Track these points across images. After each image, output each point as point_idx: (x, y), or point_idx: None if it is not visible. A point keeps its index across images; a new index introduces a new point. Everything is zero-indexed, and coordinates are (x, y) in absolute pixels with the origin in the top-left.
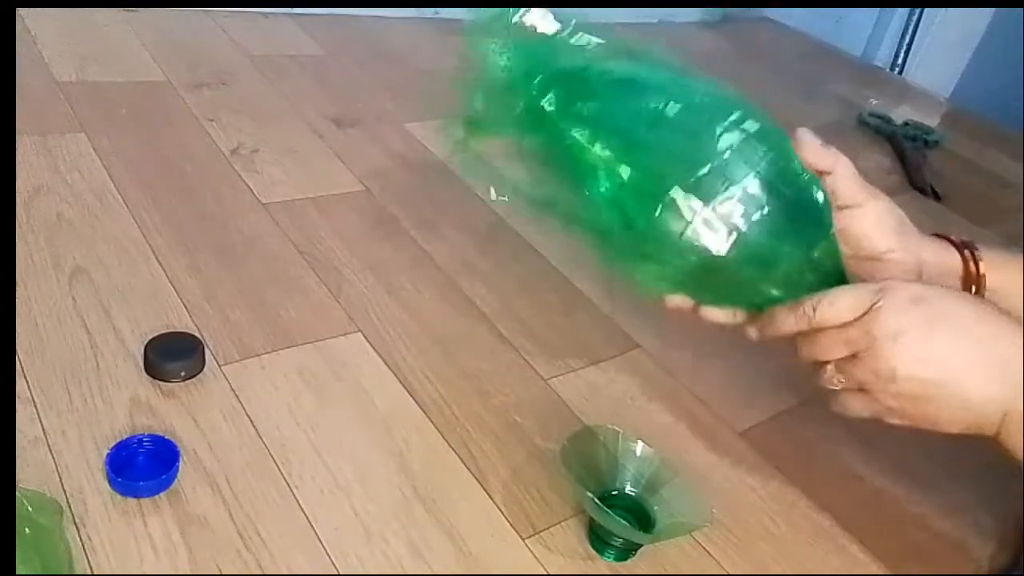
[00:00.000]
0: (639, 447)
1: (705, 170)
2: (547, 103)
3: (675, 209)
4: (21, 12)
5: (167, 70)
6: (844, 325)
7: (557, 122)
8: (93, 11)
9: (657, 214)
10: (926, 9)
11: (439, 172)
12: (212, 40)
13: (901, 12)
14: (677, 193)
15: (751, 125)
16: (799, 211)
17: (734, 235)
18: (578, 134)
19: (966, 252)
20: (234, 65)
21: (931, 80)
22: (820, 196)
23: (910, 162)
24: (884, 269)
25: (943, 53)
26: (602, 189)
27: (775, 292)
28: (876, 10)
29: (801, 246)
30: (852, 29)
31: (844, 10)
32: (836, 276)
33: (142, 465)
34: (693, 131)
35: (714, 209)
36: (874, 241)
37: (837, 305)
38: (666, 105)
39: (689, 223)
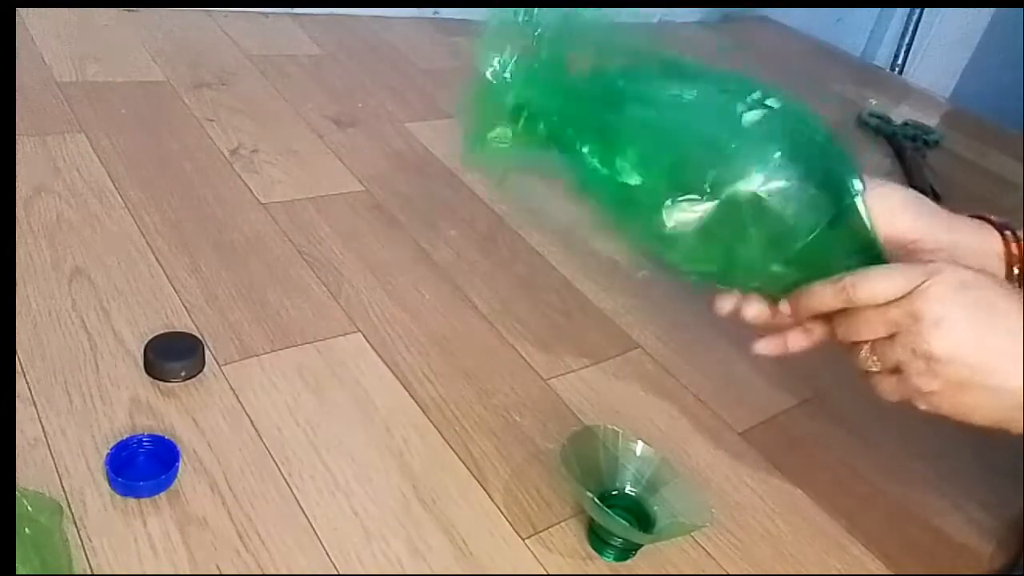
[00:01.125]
0: (639, 447)
1: (728, 149)
2: (544, 125)
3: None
4: (21, 12)
5: (167, 70)
6: (885, 304)
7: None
8: (93, 11)
9: (672, 202)
10: (926, 9)
11: (439, 172)
12: (212, 40)
13: (901, 12)
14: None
15: (773, 102)
16: (824, 181)
17: (758, 205)
18: (586, 151)
19: (1007, 233)
20: (234, 65)
21: (931, 80)
22: (846, 167)
23: (910, 162)
24: (914, 259)
25: (943, 53)
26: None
27: (798, 272)
28: (876, 10)
29: (825, 214)
30: (852, 29)
31: (844, 10)
32: (869, 254)
33: (142, 465)
34: (712, 114)
35: (735, 186)
36: (897, 231)
37: (879, 283)
38: (681, 92)
39: (714, 203)
